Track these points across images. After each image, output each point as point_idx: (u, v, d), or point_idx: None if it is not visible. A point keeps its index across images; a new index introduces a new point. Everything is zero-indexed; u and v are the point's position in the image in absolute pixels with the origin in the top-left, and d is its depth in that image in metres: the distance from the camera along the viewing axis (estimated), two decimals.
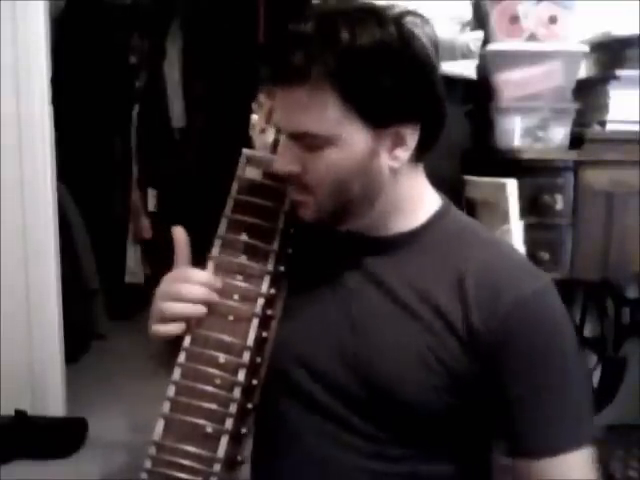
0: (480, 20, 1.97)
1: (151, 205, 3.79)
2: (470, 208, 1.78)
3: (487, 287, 0.86)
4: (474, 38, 1.92)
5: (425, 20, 0.87)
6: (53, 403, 2.56)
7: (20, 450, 2.33)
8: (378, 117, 0.84)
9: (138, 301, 3.48)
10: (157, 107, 3.78)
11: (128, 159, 3.76)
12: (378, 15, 0.84)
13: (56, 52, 2.65)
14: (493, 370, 0.86)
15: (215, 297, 0.89)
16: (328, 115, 0.83)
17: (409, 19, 0.85)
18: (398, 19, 0.84)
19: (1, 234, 2.47)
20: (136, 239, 3.80)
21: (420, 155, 0.91)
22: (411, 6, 0.87)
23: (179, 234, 0.94)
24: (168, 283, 0.91)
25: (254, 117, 1.00)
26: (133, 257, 3.81)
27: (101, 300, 3.61)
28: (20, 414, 2.41)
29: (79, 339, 3.14)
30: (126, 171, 3.77)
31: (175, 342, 0.90)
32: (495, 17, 1.89)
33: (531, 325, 0.85)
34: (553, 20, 1.87)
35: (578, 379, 0.88)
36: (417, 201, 0.93)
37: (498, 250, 0.94)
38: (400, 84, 0.83)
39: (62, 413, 2.57)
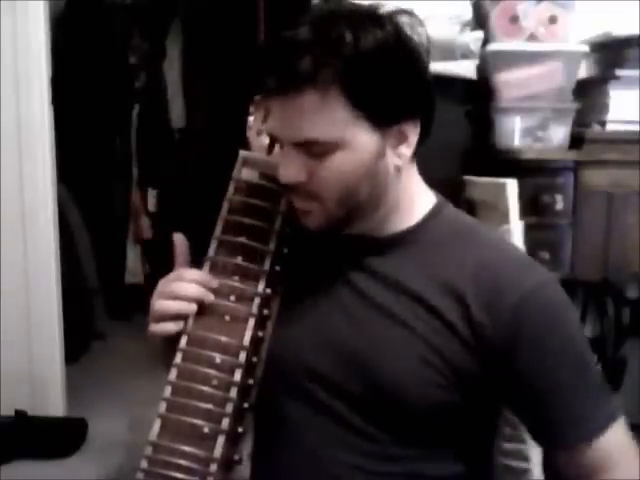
0: (480, 20, 1.97)
1: (151, 205, 3.80)
2: (470, 208, 1.77)
3: (488, 285, 0.86)
4: (474, 38, 1.92)
5: (416, 17, 0.88)
6: (53, 403, 2.56)
7: (20, 450, 2.33)
8: (384, 116, 0.85)
9: (138, 301, 3.48)
10: (157, 107, 3.78)
11: (128, 159, 3.77)
12: (375, 15, 0.84)
13: (56, 52, 2.65)
14: (506, 368, 0.86)
15: (210, 295, 0.89)
16: (336, 119, 0.83)
17: (403, 16, 0.86)
18: (393, 18, 0.85)
19: (1, 234, 2.47)
20: (136, 239, 3.80)
21: (416, 151, 0.91)
22: (411, 6, 0.88)
23: (179, 240, 0.95)
24: (163, 284, 0.91)
25: (251, 119, 1.00)
26: (133, 257, 3.81)
27: (101, 300, 3.62)
28: (20, 414, 2.41)
29: (79, 339, 3.14)
30: (126, 171, 3.77)
31: (173, 342, 0.90)
32: (495, 17, 1.89)
33: (539, 317, 0.86)
34: (553, 20, 1.87)
35: (591, 360, 0.90)
36: (413, 200, 0.93)
37: (496, 247, 0.94)
38: (402, 82, 0.84)
39: (62, 413, 2.57)
